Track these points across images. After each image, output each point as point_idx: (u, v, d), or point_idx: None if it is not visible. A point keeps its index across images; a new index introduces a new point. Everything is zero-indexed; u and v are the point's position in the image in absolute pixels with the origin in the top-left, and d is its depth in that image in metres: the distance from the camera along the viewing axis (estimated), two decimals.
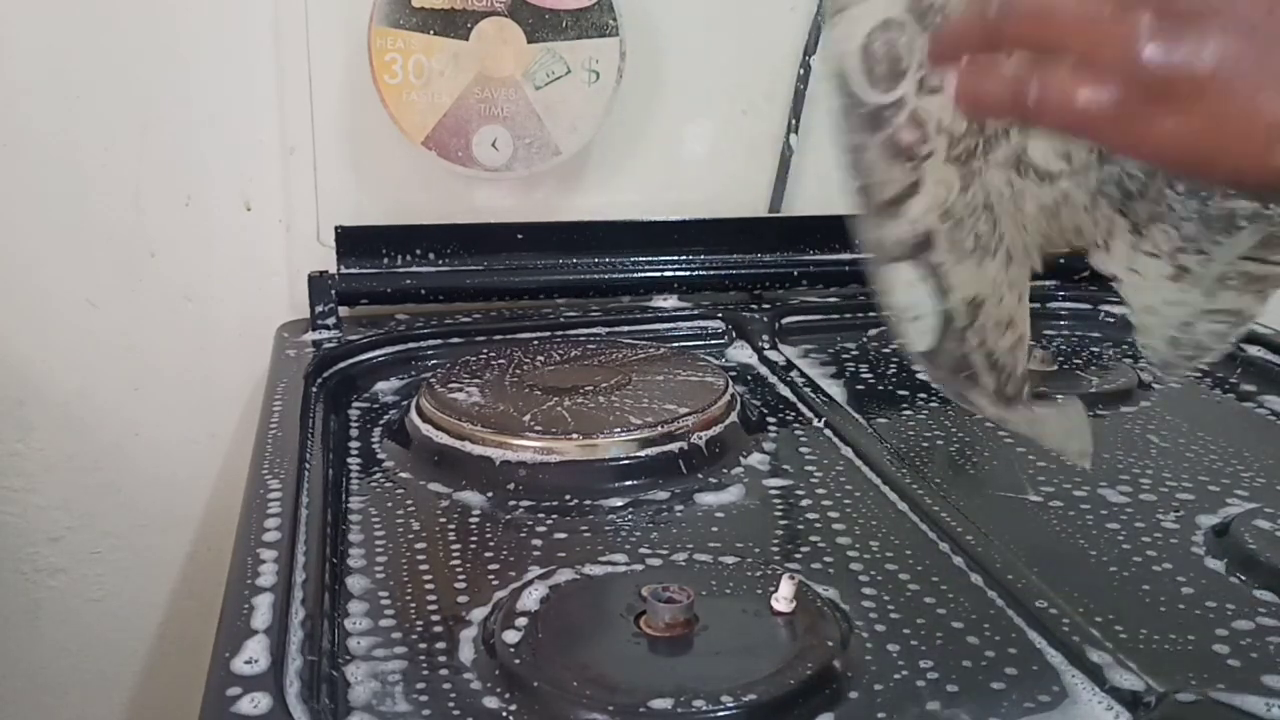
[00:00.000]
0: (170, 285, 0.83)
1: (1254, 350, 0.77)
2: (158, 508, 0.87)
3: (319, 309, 0.78)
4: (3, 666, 0.88)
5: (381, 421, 0.68)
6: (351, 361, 0.74)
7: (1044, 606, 0.46)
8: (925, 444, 0.65)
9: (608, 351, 0.73)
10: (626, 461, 0.60)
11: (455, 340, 0.79)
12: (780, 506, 0.57)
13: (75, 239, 0.81)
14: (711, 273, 0.87)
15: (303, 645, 0.42)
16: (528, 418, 0.62)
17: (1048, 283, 0.92)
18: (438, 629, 0.46)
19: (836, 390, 0.71)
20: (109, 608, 0.89)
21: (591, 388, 0.66)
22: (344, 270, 0.80)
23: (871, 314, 0.85)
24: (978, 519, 0.53)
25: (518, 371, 0.69)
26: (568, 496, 0.58)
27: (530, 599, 0.46)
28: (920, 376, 0.75)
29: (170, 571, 0.89)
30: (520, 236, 0.83)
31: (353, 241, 0.80)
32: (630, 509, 0.57)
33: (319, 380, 0.71)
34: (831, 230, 0.89)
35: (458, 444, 0.61)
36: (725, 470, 0.61)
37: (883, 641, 0.45)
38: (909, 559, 0.51)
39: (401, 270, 0.82)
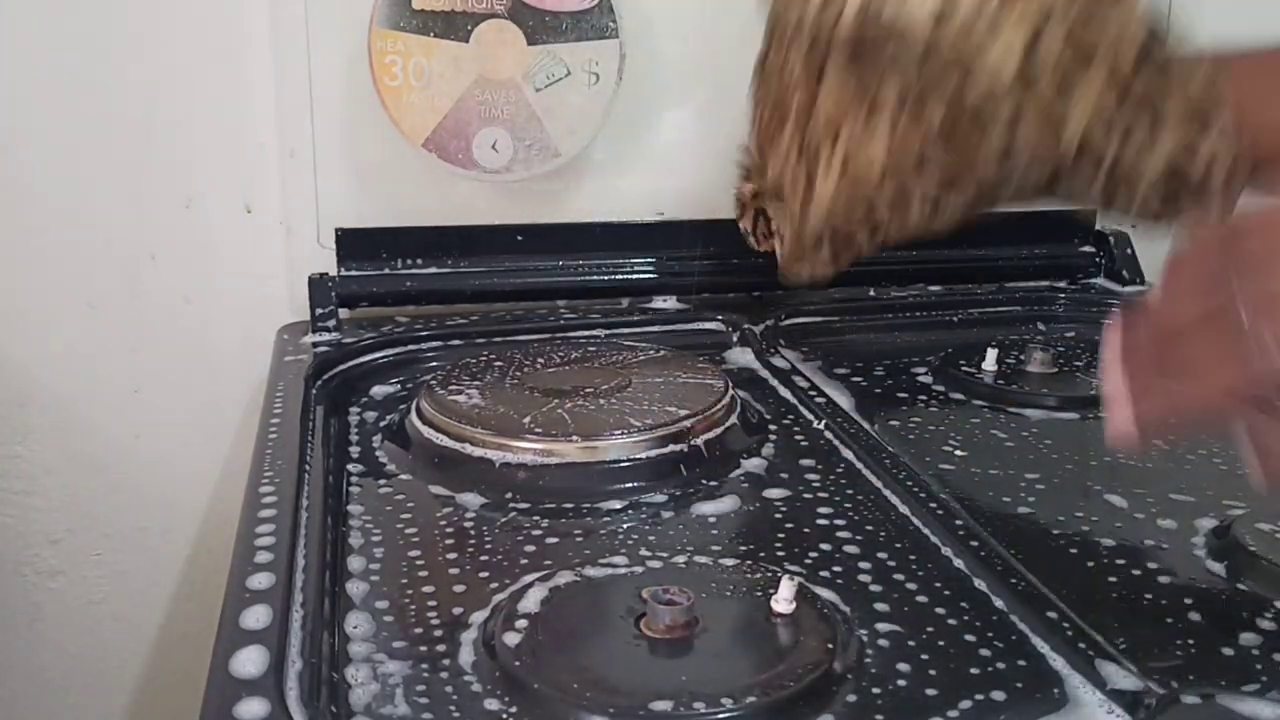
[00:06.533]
0: (170, 288, 0.83)
1: None
2: (158, 510, 0.87)
3: (319, 311, 0.78)
4: (3, 668, 0.88)
5: (382, 424, 0.67)
6: (352, 364, 0.74)
7: (1046, 610, 0.46)
8: (928, 447, 0.65)
9: (608, 354, 0.73)
10: (626, 464, 0.60)
11: (455, 342, 0.78)
12: (781, 509, 0.57)
13: (75, 241, 0.81)
14: (712, 275, 0.87)
15: (302, 648, 0.42)
16: (528, 420, 0.62)
17: (1047, 283, 0.92)
18: (438, 631, 0.46)
19: (838, 393, 0.71)
20: (109, 610, 0.88)
21: (592, 390, 0.66)
22: (344, 273, 0.80)
23: (873, 316, 0.86)
24: (980, 523, 0.53)
25: (518, 373, 0.69)
26: (567, 499, 0.57)
27: (530, 601, 0.46)
28: (922, 380, 0.75)
29: (170, 574, 0.89)
30: (520, 238, 0.83)
31: (353, 244, 0.81)
32: (630, 511, 0.57)
33: (319, 382, 0.71)
34: None
35: (458, 446, 0.61)
36: (726, 473, 0.61)
37: (883, 644, 0.45)
38: (910, 562, 0.51)
39: (402, 272, 0.82)
